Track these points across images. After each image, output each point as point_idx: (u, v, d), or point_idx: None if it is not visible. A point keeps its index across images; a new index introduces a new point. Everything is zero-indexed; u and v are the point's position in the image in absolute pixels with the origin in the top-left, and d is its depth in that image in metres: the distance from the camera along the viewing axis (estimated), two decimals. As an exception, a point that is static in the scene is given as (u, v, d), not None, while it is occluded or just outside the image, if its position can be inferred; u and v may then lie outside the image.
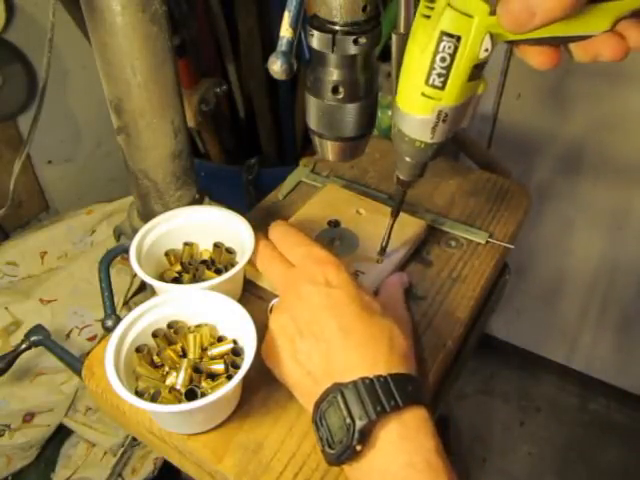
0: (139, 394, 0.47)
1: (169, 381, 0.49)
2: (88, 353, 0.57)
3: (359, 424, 0.38)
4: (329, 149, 0.50)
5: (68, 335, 0.95)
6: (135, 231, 0.59)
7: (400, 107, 0.42)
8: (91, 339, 0.96)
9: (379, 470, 0.38)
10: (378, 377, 0.39)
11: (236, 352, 0.50)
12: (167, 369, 0.50)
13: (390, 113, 0.50)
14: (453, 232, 0.69)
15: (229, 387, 0.44)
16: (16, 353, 0.72)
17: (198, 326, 0.52)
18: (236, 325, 0.50)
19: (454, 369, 0.61)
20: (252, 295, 0.61)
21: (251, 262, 0.57)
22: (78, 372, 0.60)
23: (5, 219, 1.12)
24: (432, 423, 0.39)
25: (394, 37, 0.45)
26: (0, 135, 1.08)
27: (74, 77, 1.15)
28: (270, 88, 1.11)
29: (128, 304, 0.99)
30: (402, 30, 0.44)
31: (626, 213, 1.34)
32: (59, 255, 1.06)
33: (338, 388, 0.40)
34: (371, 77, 0.48)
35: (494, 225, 0.70)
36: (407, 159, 0.48)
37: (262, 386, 0.52)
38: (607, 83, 1.21)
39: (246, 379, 0.46)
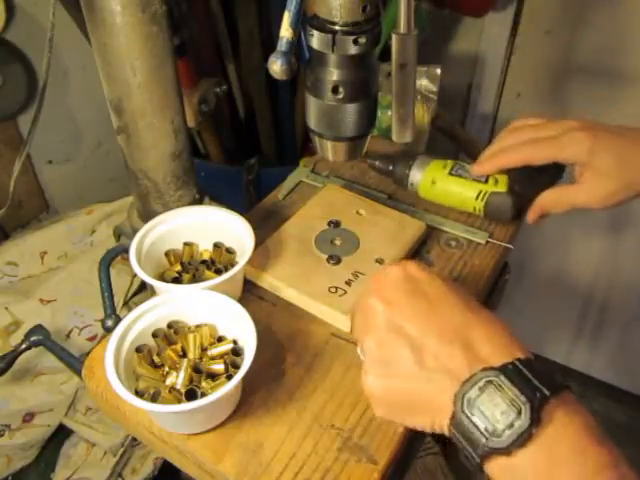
0: (139, 394, 0.47)
1: (169, 381, 0.49)
2: (88, 353, 0.57)
3: (533, 404, 0.34)
4: (329, 149, 0.50)
5: (68, 335, 0.95)
6: (135, 231, 0.59)
7: None
8: (91, 339, 0.96)
9: (551, 453, 0.35)
10: (526, 360, 0.37)
11: (236, 352, 0.50)
12: (167, 369, 0.50)
13: (390, 113, 0.50)
14: (453, 232, 0.69)
15: (229, 387, 0.44)
16: (16, 353, 0.72)
17: (198, 326, 0.52)
18: (236, 325, 0.50)
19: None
20: (252, 295, 0.61)
21: (251, 262, 0.57)
22: (78, 372, 0.60)
23: (5, 219, 1.12)
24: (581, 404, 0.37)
25: (394, 37, 0.45)
26: (0, 135, 1.08)
27: (74, 77, 1.15)
28: (270, 88, 1.11)
29: (128, 304, 0.99)
30: (402, 30, 0.44)
31: (626, 214, 1.34)
32: (59, 255, 1.06)
33: (493, 371, 0.36)
34: (371, 77, 0.48)
35: (494, 225, 0.70)
36: None
37: (262, 386, 0.53)
38: (606, 83, 1.21)
39: (246, 379, 0.46)
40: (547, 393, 0.35)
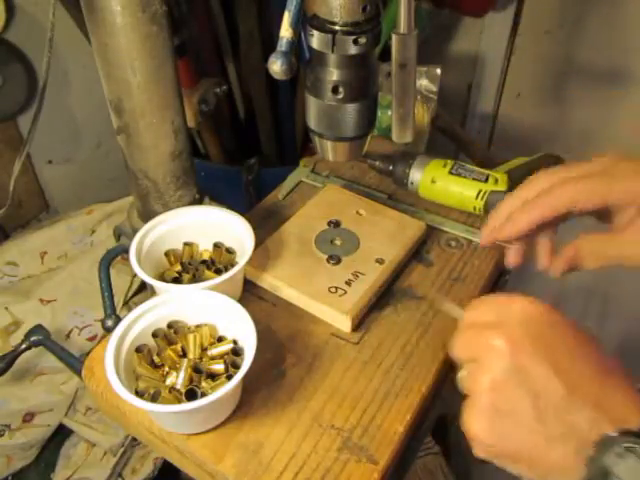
0: (139, 394, 0.47)
1: (169, 381, 0.49)
2: (88, 353, 0.57)
3: None
4: (329, 149, 0.50)
5: (68, 335, 0.95)
6: (135, 231, 0.59)
7: None
8: (91, 339, 0.96)
9: None
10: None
11: (236, 352, 0.50)
12: (167, 369, 0.50)
13: (390, 113, 0.50)
14: (453, 232, 0.69)
15: (229, 387, 0.44)
16: (16, 353, 0.72)
17: (198, 326, 0.52)
18: (236, 325, 0.50)
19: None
20: (252, 295, 0.61)
21: (251, 262, 0.57)
22: (78, 372, 0.60)
23: (5, 219, 1.12)
24: None
25: (394, 37, 0.45)
26: (0, 135, 1.08)
27: (74, 77, 1.15)
28: (270, 88, 1.11)
29: (128, 304, 0.99)
30: (402, 30, 0.44)
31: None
32: (59, 255, 1.06)
33: (634, 437, 0.32)
34: (371, 77, 0.48)
35: (494, 225, 0.70)
36: None
37: (262, 386, 0.53)
38: (606, 83, 1.21)
39: (246, 379, 0.46)
40: None
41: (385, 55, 0.56)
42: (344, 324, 0.57)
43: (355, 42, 0.43)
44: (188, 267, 0.59)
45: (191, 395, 0.47)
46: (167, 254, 0.60)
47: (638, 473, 0.31)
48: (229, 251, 0.60)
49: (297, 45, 0.41)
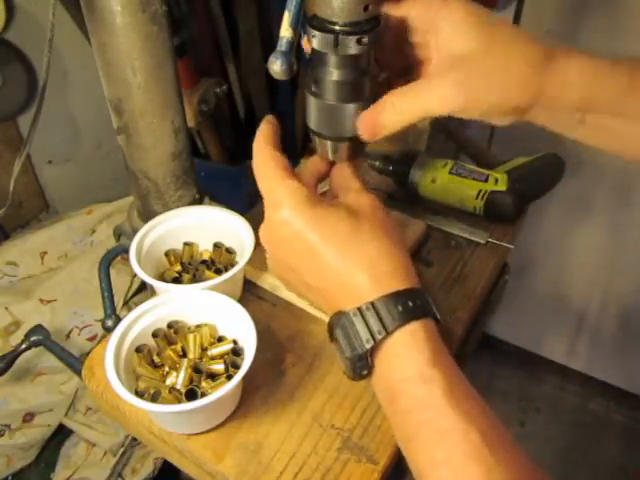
0: (139, 394, 0.47)
1: (169, 381, 0.49)
2: (88, 353, 0.57)
3: (360, 350, 0.39)
4: (329, 149, 0.50)
5: (68, 335, 0.95)
6: (135, 231, 0.59)
7: None
8: (91, 339, 0.96)
9: (383, 386, 0.41)
10: (372, 302, 0.40)
11: (236, 352, 0.50)
12: (167, 369, 0.50)
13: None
14: (453, 232, 0.69)
15: (229, 387, 0.44)
16: (16, 353, 0.72)
17: (198, 326, 0.52)
18: (236, 325, 0.50)
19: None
20: (252, 295, 0.61)
21: (251, 262, 0.57)
22: (78, 372, 0.60)
23: (5, 219, 1.11)
24: (427, 335, 0.39)
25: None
26: (0, 135, 1.08)
27: (74, 77, 1.15)
28: (270, 88, 1.10)
29: (128, 304, 0.99)
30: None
31: (626, 213, 1.34)
32: (59, 255, 1.06)
33: (341, 316, 0.41)
34: (371, 77, 0.48)
35: (494, 225, 0.70)
36: None
37: (262, 386, 0.53)
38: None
39: (246, 379, 0.46)
40: (378, 335, 0.39)
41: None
42: (344, 324, 0.57)
43: (358, 42, 0.43)
44: (188, 267, 0.59)
45: (191, 395, 0.47)
46: (167, 254, 0.60)
47: (341, 342, 0.41)
48: (229, 251, 0.60)
49: (297, 45, 0.41)
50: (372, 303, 0.40)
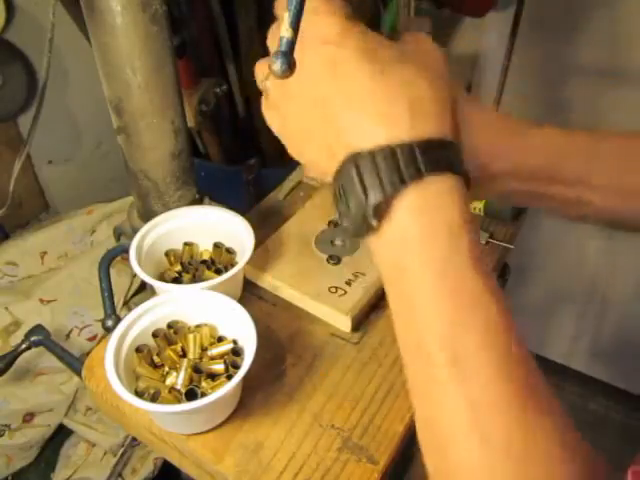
0: (139, 394, 0.47)
1: (169, 381, 0.49)
2: (88, 353, 0.57)
3: (373, 199, 0.33)
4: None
5: (68, 335, 0.95)
6: (135, 231, 0.59)
7: None
8: (91, 339, 0.96)
9: (398, 242, 0.34)
10: (399, 144, 0.33)
11: (236, 352, 0.50)
12: (167, 369, 0.50)
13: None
14: (453, 232, 0.69)
15: (229, 387, 0.44)
16: (16, 353, 0.72)
17: (198, 326, 0.52)
18: (236, 325, 0.50)
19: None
20: (252, 295, 0.61)
21: (251, 262, 0.57)
22: (78, 372, 0.60)
23: (5, 219, 1.11)
24: (461, 193, 0.34)
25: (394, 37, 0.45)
26: (0, 135, 1.08)
27: (74, 77, 1.15)
28: (270, 88, 1.11)
29: (128, 304, 0.99)
30: (402, 30, 0.44)
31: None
32: (59, 255, 1.06)
33: (353, 159, 0.34)
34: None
35: (494, 225, 0.70)
36: None
37: (262, 386, 0.53)
38: (606, 83, 1.21)
39: (246, 379, 0.46)
40: (407, 180, 0.32)
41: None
42: (344, 324, 0.57)
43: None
44: (188, 267, 0.59)
45: (191, 395, 0.47)
46: (167, 254, 0.60)
47: (349, 194, 0.34)
48: (229, 251, 0.60)
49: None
50: (408, 143, 0.33)
